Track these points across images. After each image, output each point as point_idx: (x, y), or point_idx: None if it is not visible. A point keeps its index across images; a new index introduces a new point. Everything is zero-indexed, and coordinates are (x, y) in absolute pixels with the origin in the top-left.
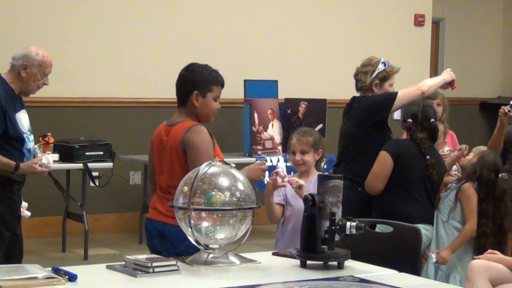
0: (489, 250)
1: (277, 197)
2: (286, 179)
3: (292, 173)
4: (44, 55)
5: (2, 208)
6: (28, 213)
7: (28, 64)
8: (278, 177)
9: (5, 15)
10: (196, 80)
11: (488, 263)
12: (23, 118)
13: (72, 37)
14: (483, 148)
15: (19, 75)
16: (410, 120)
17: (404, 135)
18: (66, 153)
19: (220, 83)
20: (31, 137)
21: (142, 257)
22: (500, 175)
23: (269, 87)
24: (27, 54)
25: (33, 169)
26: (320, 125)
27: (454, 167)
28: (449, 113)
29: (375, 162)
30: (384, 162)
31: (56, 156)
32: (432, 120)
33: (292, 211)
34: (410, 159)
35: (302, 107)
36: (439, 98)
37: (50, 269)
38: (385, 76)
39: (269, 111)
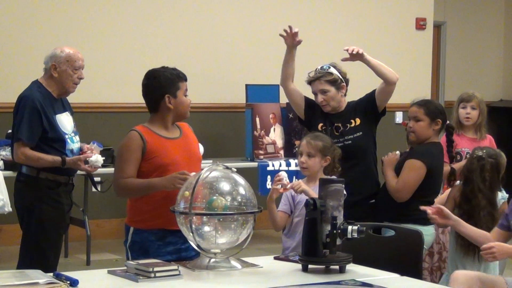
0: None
1: (283, 205)
2: (288, 186)
3: (294, 177)
4: (71, 50)
5: (49, 211)
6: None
7: (56, 63)
8: (280, 185)
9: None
10: (163, 85)
11: (471, 274)
12: (65, 120)
13: (73, 43)
14: None
15: (52, 77)
16: (448, 121)
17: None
18: None
19: (183, 78)
20: (76, 138)
21: (143, 262)
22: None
23: (270, 92)
24: (53, 54)
25: (77, 165)
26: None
27: None
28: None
29: (408, 171)
30: (419, 173)
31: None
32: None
33: (301, 217)
34: (439, 170)
35: None
36: (474, 101)
37: (51, 274)
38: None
39: (271, 116)
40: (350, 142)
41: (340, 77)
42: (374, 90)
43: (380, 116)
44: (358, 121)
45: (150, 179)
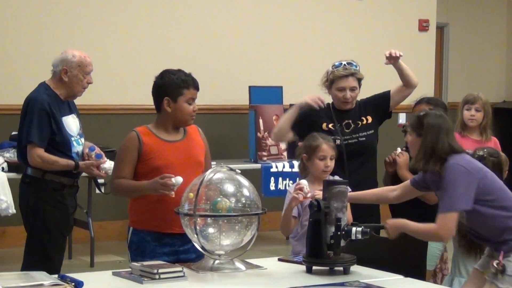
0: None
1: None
2: (309, 195)
3: (298, 178)
4: (81, 55)
5: (54, 212)
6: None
7: (68, 67)
8: (301, 194)
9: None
10: (165, 87)
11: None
12: (71, 122)
13: (78, 45)
14: None
15: (61, 80)
16: None
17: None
18: None
19: (192, 85)
20: (81, 141)
21: (148, 263)
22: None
23: (274, 93)
24: (64, 58)
25: (90, 170)
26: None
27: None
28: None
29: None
30: None
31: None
32: None
33: None
34: None
35: None
36: (478, 103)
37: (56, 276)
38: (331, 80)
39: (274, 117)
40: (364, 139)
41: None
42: (389, 91)
43: (386, 117)
44: (370, 119)
45: (140, 182)
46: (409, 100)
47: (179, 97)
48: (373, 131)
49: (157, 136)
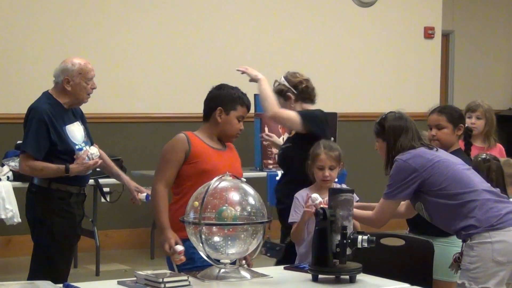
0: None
1: (299, 216)
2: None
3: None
4: (81, 62)
5: (61, 222)
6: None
7: (69, 77)
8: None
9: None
10: (221, 97)
11: None
12: (76, 130)
13: (84, 54)
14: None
15: (65, 90)
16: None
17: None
18: None
19: (246, 104)
20: (87, 148)
21: (153, 272)
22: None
23: None
24: (64, 68)
25: (85, 164)
26: (331, 139)
27: None
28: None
29: None
30: None
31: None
32: None
33: None
34: None
35: None
36: (479, 111)
37: (61, 285)
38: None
39: (279, 126)
40: (281, 151)
41: (288, 87)
42: None
43: (306, 136)
44: (293, 132)
45: (164, 220)
46: (419, 108)
47: (232, 111)
48: (290, 144)
49: (204, 141)
